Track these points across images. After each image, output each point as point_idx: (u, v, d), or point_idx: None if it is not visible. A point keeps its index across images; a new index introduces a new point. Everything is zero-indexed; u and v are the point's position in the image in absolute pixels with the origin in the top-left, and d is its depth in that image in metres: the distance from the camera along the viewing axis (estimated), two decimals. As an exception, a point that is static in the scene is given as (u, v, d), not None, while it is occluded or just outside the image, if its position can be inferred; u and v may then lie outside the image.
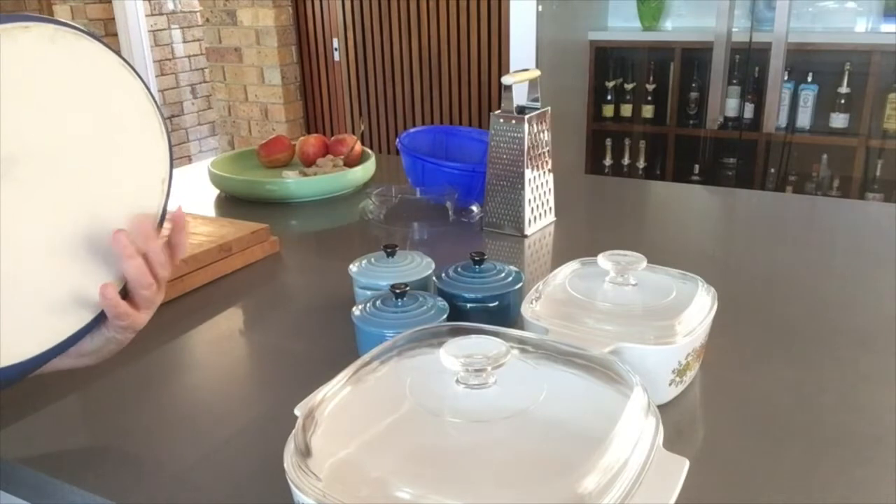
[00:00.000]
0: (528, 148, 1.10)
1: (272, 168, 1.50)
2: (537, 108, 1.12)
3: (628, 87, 2.97)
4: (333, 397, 0.53)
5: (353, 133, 1.85)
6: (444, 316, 0.74)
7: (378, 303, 0.76)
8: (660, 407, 0.54)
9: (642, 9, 2.89)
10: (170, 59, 4.29)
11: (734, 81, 2.71)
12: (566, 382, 0.55)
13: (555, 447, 0.48)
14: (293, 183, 1.35)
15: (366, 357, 0.57)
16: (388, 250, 0.88)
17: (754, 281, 0.97)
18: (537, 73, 1.13)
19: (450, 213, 1.20)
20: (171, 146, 0.65)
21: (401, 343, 0.59)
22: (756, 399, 0.70)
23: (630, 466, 0.45)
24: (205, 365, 0.81)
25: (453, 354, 0.52)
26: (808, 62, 2.63)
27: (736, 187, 2.34)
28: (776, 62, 2.37)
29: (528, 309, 0.70)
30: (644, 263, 0.72)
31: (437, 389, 0.53)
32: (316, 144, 1.49)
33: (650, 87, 2.94)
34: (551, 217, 1.20)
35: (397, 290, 0.74)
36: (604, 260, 0.73)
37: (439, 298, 0.78)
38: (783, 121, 2.65)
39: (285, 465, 0.47)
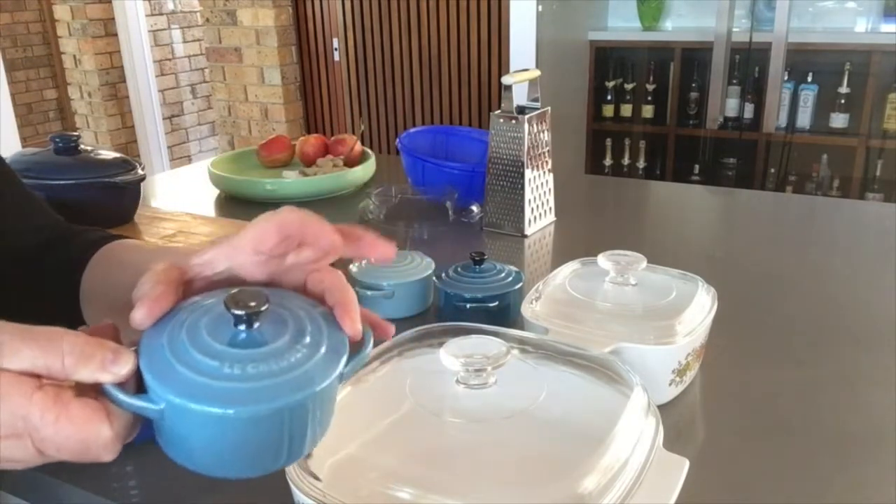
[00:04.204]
0: (528, 148, 1.10)
1: (272, 168, 1.50)
2: (537, 108, 1.12)
3: (628, 87, 2.97)
4: (333, 397, 0.53)
5: (353, 133, 1.85)
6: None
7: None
8: (660, 407, 0.54)
9: (642, 9, 2.89)
10: (170, 59, 4.29)
11: (734, 81, 2.71)
12: (566, 382, 0.55)
13: (555, 447, 0.48)
14: (293, 183, 1.35)
15: (366, 357, 0.57)
16: (388, 250, 0.88)
17: (754, 281, 0.97)
18: (537, 73, 1.13)
19: (450, 213, 1.20)
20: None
21: (401, 343, 0.59)
22: (756, 399, 0.70)
23: (630, 466, 0.45)
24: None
25: (453, 354, 0.52)
26: (808, 62, 2.63)
27: (736, 187, 2.34)
28: (776, 62, 2.37)
29: (528, 309, 0.70)
30: (644, 263, 0.72)
31: (437, 389, 0.53)
32: (316, 144, 1.49)
33: (650, 87, 2.94)
34: (551, 217, 1.20)
35: (239, 305, 0.62)
36: (604, 260, 0.73)
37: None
38: (783, 121, 2.64)
39: (285, 465, 0.47)
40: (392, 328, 0.48)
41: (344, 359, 0.39)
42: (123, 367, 0.36)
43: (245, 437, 0.36)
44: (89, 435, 0.36)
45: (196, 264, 0.45)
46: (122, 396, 0.36)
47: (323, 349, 0.39)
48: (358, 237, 0.47)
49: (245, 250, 0.45)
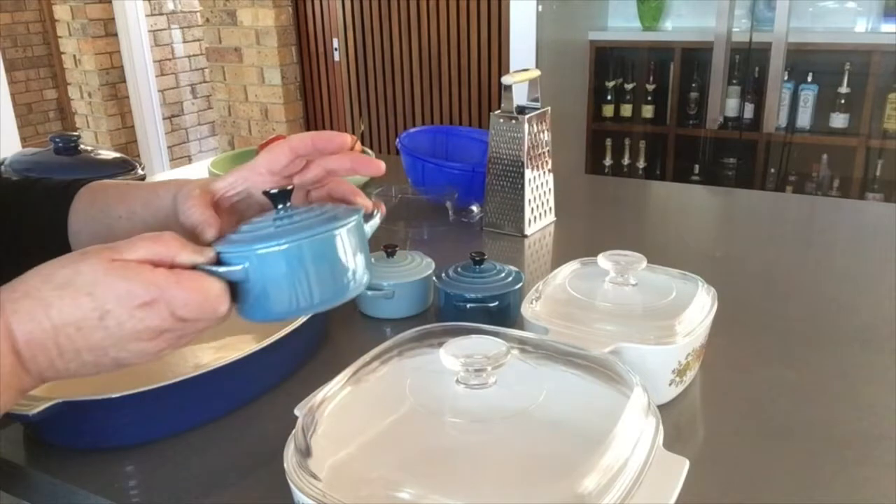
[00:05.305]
0: (528, 148, 1.10)
1: (272, 168, 1.50)
2: (537, 108, 1.12)
3: (628, 87, 2.97)
4: (333, 397, 0.53)
5: (353, 133, 1.85)
6: (351, 221, 0.53)
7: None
8: (660, 407, 0.54)
9: (642, 9, 2.89)
10: (170, 59, 4.29)
11: (734, 81, 2.70)
12: (566, 382, 0.55)
13: (555, 447, 0.48)
14: (293, 183, 1.35)
15: (366, 357, 0.57)
16: (388, 250, 0.88)
17: (754, 281, 0.97)
18: (537, 73, 1.13)
19: (450, 213, 1.20)
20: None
21: (401, 343, 0.59)
22: (756, 399, 0.70)
23: (630, 466, 0.45)
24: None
25: (453, 354, 0.52)
26: (808, 62, 2.62)
27: (736, 187, 2.33)
28: (776, 62, 2.37)
29: (528, 309, 0.70)
30: (644, 263, 0.72)
31: (437, 389, 0.53)
32: (352, 146, 1.48)
33: (650, 87, 2.94)
34: (551, 217, 1.20)
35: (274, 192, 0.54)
36: (604, 260, 0.73)
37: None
38: (783, 121, 2.64)
39: (285, 465, 0.47)
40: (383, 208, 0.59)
41: (360, 212, 0.53)
42: (210, 252, 0.48)
43: (304, 269, 0.48)
44: (204, 286, 0.46)
45: (220, 187, 0.56)
46: (213, 268, 0.47)
47: (342, 207, 0.54)
48: (354, 153, 0.60)
49: (260, 171, 0.57)
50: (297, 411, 0.53)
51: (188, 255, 0.47)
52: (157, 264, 0.46)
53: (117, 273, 0.44)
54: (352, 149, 1.32)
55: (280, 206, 0.51)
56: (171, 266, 0.46)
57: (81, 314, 0.44)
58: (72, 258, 0.45)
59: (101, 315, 0.44)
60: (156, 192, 0.61)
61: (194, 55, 4.42)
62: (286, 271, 0.48)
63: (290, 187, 0.52)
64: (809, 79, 2.63)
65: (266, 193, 0.51)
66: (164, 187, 0.61)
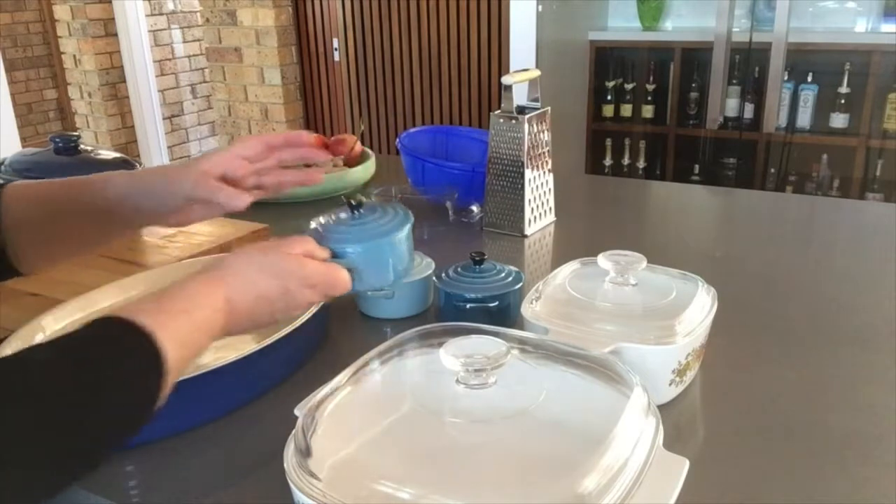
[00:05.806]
0: (528, 148, 1.10)
1: (272, 168, 1.50)
2: (537, 108, 1.12)
3: (628, 87, 2.97)
4: (333, 397, 0.53)
5: (353, 133, 1.85)
6: (409, 224, 0.70)
7: (334, 217, 0.71)
8: (660, 407, 0.54)
9: (642, 9, 2.89)
10: (170, 59, 4.29)
11: (734, 81, 2.70)
12: (566, 382, 0.55)
13: (555, 447, 0.48)
14: (293, 183, 1.35)
15: (366, 357, 0.57)
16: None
17: (754, 281, 0.97)
18: (537, 73, 1.13)
19: (450, 213, 1.20)
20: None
21: (401, 343, 0.59)
22: (756, 399, 0.70)
23: (630, 466, 0.45)
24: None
25: (453, 354, 0.52)
26: (808, 62, 2.62)
27: (736, 187, 2.33)
28: (776, 62, 2.37)
29: (528, 309, 0.70)
30: (644, 263, 0.72)
31: (437, 389, 0.53)
32: (315, 144, 1.48)
33: (650, 87, 2.94)
34: (551, 217, 1.20)
35: (353, 202, 0.71)
36: (604, 260, 0.73)
37: (400, 206, 0.73)
38: (783, 121, 2.64)
39: (285, 465, 0.47)
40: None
41: (409, 220, 0.70)
42: (328, 250, 0.66)
43: (383, 257, 0.68)
44: (339, 273, 0.64)
45: (207, 169, 0.71)
46: (335, 260, 0.65)
47: (401, 212, 0.71)
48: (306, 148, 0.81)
49: (234, 156, 0.73)
50: (297, 411, 0.53)
51: (320, 251, 0.64)
52: (308, 255, 0.63)
53: (294, 262, 0.61)
54: (352, 149, 1.41)
55: (355, 212, 0.70)
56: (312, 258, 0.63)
57: (274, 290, 0.59)
58: (257, 250, 0.62)
59: (285, 291, 0.60)
60: (104, 183, 0.71)
61: (194, 55, 4.42)
62: (373, 260, 0.67)
63: (363, 199, 0.70)
64: (809, 79, 2.63)
65: (347, 201, 0.70)
66: (107, 182, 0.71)
